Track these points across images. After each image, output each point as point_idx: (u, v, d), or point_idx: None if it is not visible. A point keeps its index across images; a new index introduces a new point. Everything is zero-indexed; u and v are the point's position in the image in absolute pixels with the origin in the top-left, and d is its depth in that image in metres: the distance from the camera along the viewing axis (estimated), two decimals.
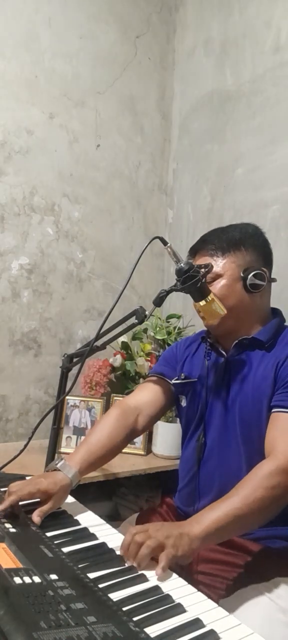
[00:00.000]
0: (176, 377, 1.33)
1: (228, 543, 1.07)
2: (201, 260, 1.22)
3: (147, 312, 1.24)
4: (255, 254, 1.22)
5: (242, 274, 1.19)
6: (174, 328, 2.05)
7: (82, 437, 1.83)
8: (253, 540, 1.10)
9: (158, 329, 2.01)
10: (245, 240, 1.22)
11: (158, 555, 0.85)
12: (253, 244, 1.23)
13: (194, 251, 1.27)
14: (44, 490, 1.02)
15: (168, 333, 2.01)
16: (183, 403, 1.31)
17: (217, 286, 1.19)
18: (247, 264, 1.20)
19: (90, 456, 1.15)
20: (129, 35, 2.24)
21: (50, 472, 1.09)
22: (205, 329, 1.32)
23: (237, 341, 1.21)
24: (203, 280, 1.15)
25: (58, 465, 1.09)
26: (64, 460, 1.10)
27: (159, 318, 2.04)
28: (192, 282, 1.14)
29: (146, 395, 1.34)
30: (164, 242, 1.19)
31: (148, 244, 1.19)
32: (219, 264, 1.20)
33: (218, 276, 1.20)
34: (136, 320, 1.26)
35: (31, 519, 0.99)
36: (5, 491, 1.12)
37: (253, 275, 1.18)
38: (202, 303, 1.16)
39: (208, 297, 1.15)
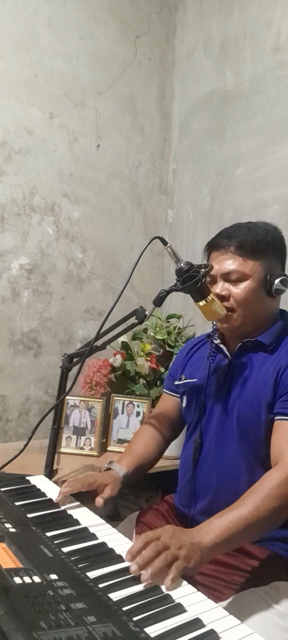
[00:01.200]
0: (178, 379, 1.35)
1: None
2: (225, 257, 1.18)
3: (147, 312, 1.24)
4: (275, 256, 1.20)
5: (268, 278, 1.16)
6: (174, 328, 2.05)
7: (82, 437, 1.83)
8: (252, 543, 1.09)
9: (158, 329, 2.01)
10: (271, 242, 1.19)
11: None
12: (277, 247, 1.21)
13: (214, 246, 1.23)
14: (100, 481, 1.18)
15: (168, 333, 2.01)
16: (184, 403, 1.32)
17: (242, 286, 1.16)
18: (272, 268, 1.18)
19: (134, 461, 1.28)
20: (129, 35, 2.24)
21: (103, 471, 1.26)
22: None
23: (240, 344, 1.20)
24: (203, 280, 1.15)
25: (110, 465, 1.26)
26: (114, 462, 1.27)
27: (159, 318, 2.04)
28: (192, 282, 1.14)
29: (160, 413, 1.41)
30: (164, 242, 1.19)
31: (148, 244, 1.19)
32: (247, 264, 1.16)
33: (245, 277, 1.16)
34: (136, 320, 1.26)
35: (31, 519, 1.00)
36: (5, 491, 1.14)
37: (280, 281, 1.16)
38: (202, 303, 1.16)
39: (209, 297, 1.15)
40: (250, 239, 1.17)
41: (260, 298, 1.17)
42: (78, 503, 1.14)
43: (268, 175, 1.89)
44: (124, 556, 0.88)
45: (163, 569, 0.82)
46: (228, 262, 1.17)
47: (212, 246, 1.24)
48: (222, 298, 1.18)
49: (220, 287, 1.18)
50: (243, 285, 1.16)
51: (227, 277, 1.18)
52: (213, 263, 1.21)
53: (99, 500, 1.13)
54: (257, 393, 1.13)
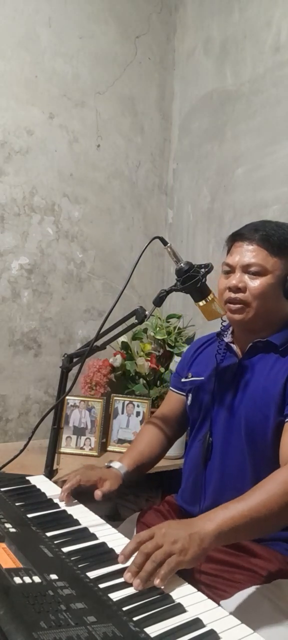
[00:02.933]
0: (185, 377, 1.35)
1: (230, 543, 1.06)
2: (248, 248, 1.16)
3: (147, 312, 1.24)
4: None
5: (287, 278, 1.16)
6: (174, 328, 2.05)
7: (82, 437, 1.83)
8: (255, 542, 1.09)
9: (158, 329, 2.01)
10: None
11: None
12: None
13: (239, 236, 1.20)
14: (99, 475, 1.18)
15: (168, 333, 2.02)
16: (189, 401, 1.31)
17: (261, 281, 1.14)
18: None
19: (135, 459, 1.29)
20: (129, 35, 2.24)
21: (104, 468, 1.26)
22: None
23: (251, 344, 1.19)
24: (203, 280, 1.14)
25: (111, 464, 1.26)
26: (114, 460, 1.28)
27: (159, 318, 2.04)
28: (192, 282, 1.13)
29: (166, 410, 1.41)
30: (164, 242, 1.19)
31: (148, 244, 1.19)
32: (270, 260, 1.15)
33: (265, 272, 1.15)
34: (136, 320, 1.26)
35: (31, 519, 1.00)
36: (5, 491, 1.14)
37: None
38: (202, 303, 1.16)
39: (209, 297, 1.15)
40: (278, 235, 1.16)
41: (276, 297, 1.16)
42: (77, 502, 1.14)
43: (268, 175, 1.89)
44: None
45: (154, 571, 0.80)
46: (251, 254, 1.16)
47: (237, 236, 1.21)
48: (238, 290, 1.16)
49: (237, 279, 1.16)
50: (263, 280, 1.14)
51: (246, 268, 1.16)
52: (234, 254, 1.19)
53: (98, 493, 1.14)
54: (265, 394, 1.12)
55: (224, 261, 1.23)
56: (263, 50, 1.93)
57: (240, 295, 1.16)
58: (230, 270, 1.20)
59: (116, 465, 1.25)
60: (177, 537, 0.84)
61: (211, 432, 1.21)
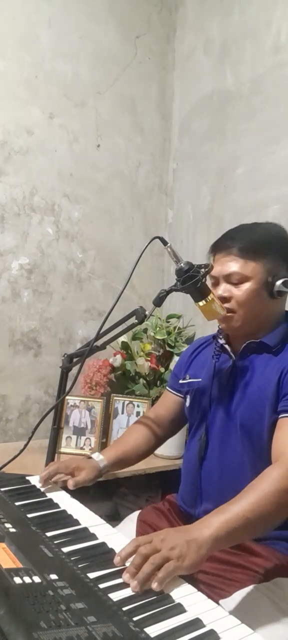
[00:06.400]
0: (182, 379, 1.35)
1: None
2: (227, 259, 1.18)
3: (147, 312, 1.24)
4: (280, 258, 1.19)
5: (269, 280, 1.16)
6: (174, 328, 2.05)
7: (82, 437, 1.83)
8: (255, 541, 1.09)
9: (158, 329, 2.01)
10: (275, 243, 1.19)
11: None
12: (281, 249, 1.19)
13: (218, 247, 1.22)
14: (76, 465, 1.23)
15: (168, 333, 2.01)
16: (187, 403, 1.32)
17: (243, 289, 1.16)
18: (274, 269, 1.17)
19: (117, 453, 1.33)
20: (129, 35, 2.24)
21: (84, 458, 1.30)
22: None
23: (245, 344, 1.20)
24: (203, 280, 1.14)
25: (91, 454, 1.30)
26: (96, 452, 1.32)
27: (159, 318, 2.04)
28: (192, 282, 1.13)
29: (161, 409, 1.43)
30: (164, 242, 1.19)
31: (148, 244, 1.19)
32: (249, 265, 1.16)
33: (246, 279, 1.16)
34: (136, 320, 1.26)
35: (31, 519, 1.00)
36: (5, 491, 1.14)
37: (283, 283, 1.16)
38: (202, 303, 1.16)
39: (208, 297, 1.15)
40: (252, 241, 1.18)
41: (262, 300, 1.17)
42: (77, 502, 1.14)
43: (268, 175, 1.89)
44: None
45: (152, 574, 0.79)
46: (230, 264, 1.18)
47: (216, 248, 1.24)
48: (224, 300, 1.18)
49: (222, 289, 1.19)
50: (244, 287, 1.16)
51: (228, 278, 1.18)
52: (216, 265, 1.21)
53: (70, 482, 1.18)
54: (260, 394, 1.12)
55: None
56: (263, 50, 1.93)
57: (227, 305, 1.18)
58: (214, 282, 1.22)
59: (95, 456, 1.28)
60: (175, 544, 0.85)
61: (207, 434, 1.22)
